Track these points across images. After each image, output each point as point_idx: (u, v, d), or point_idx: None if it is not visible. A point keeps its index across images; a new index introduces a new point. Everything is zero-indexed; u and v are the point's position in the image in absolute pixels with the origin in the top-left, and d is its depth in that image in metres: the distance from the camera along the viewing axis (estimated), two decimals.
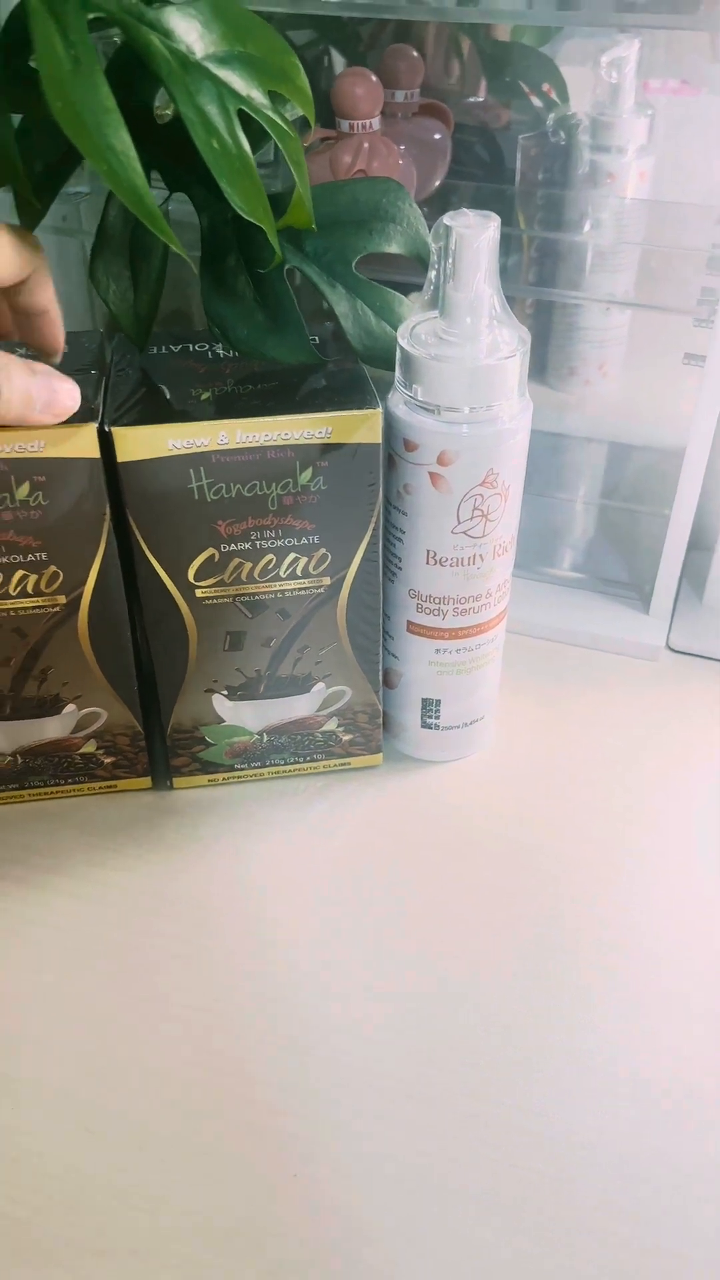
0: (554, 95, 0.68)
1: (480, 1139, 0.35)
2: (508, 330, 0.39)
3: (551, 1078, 0.37)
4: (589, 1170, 0.34)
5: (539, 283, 0.70)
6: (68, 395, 0.36)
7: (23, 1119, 0.36)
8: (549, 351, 0.74)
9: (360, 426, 0.38)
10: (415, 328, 0.40)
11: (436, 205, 0.62)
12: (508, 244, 0.69)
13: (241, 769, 0.47)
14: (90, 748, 0.45)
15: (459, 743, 0.49)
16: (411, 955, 0.41)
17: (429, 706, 0.47)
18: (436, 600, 0.43)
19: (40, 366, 0.35)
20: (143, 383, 0.40)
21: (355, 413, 0.38)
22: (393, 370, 0.41)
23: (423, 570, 0.43)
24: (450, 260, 0.37)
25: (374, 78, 0.52)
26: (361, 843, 0.45)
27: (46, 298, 0.36)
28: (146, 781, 0.47)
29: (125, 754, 0.46)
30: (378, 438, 0.39)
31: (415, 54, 0.60)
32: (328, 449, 0.39)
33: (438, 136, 0.60)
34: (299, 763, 0.48)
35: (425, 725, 0.48)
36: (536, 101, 0.68)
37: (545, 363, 0.74)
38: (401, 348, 0.39)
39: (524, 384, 0.40)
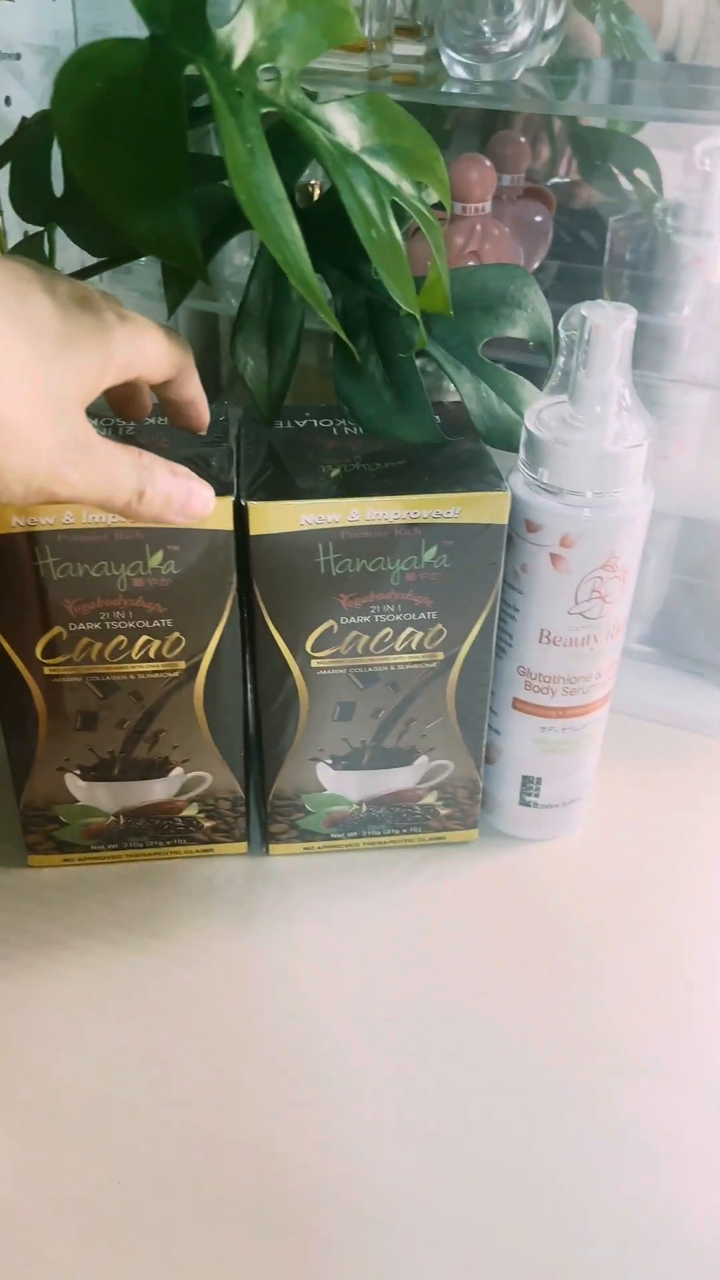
0: (646, 180, 0.69)
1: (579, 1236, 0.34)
2: (635, 420, 0.40)
3: (669, 1177, 0.36)
4: None
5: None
6: (202, 501, 0.36)
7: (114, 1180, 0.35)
8: None
9: (489, 507, 0.39)
10: (543, 412, 0.40)
11: None
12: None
13: (337, 838, 0.47)
14: (192, 810, 0.45)
15: (555, 822, 0.48)
16: (492, 1037, 0.40)
17: (529, 784, 0.47)
18: (546, 679, 0.43)
19: (180, 469, 0.35)
20: (272, 457, 0.41)
21: (486, 494, 0.39)
22: (513, 451, 0.42)
23: (535, 649, 0.43)
24: (584, 349, 0.38)
25: (488, 163, 0.54)
26: (451, 920, 0.45)
27: (194, 389, 0.37)
28: (243, 847, 0.47)
29: (225, 818, 0.46)
30: (504, 519, 0.39)
31: (522, 140, 0.62)
32: (455, 528, 0.39)
33: (539, 219, 0.61)
34: (394, 834, 0.48)
35: (524, 803, 0.47)
36: (628, 185, 0.70)
37: None
38: (528, 430, 0.40)
39: (647, 473, 0.41)
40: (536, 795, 0.47)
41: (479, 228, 0.54)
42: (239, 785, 0.45)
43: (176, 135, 0.30)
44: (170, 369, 0.35)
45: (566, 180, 0.69)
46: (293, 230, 0.31)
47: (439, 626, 0.41)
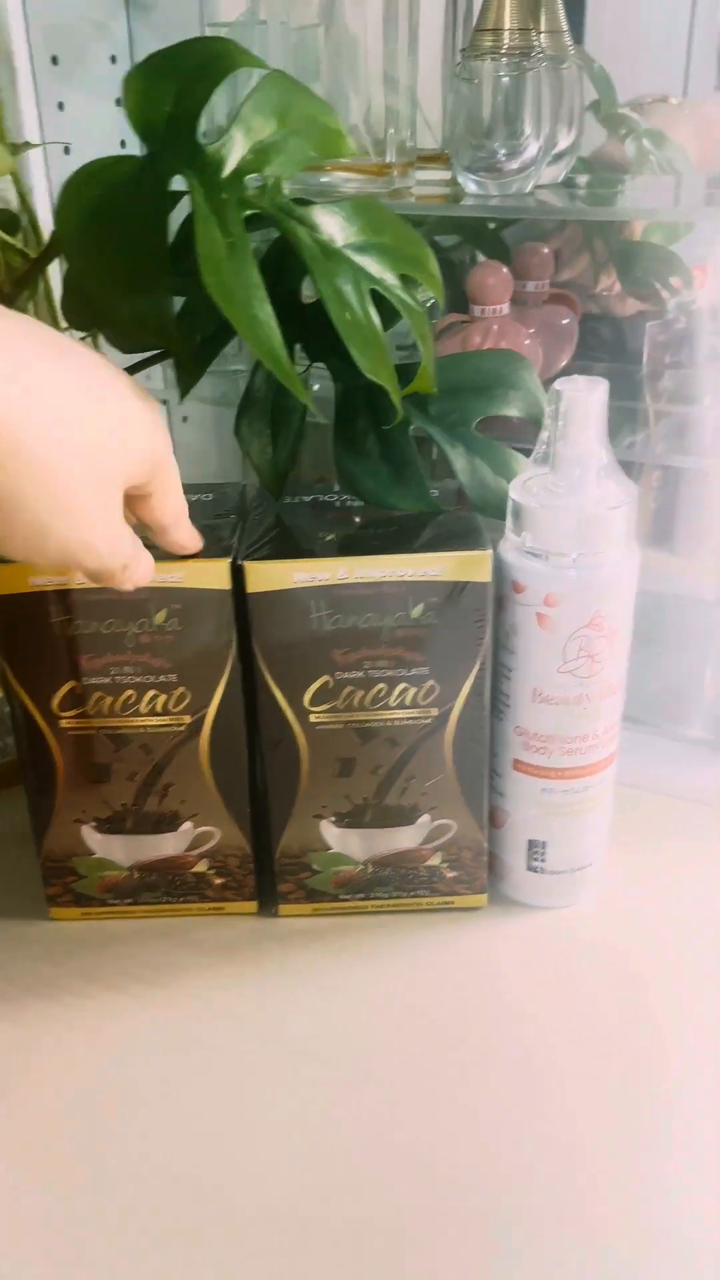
0: (680, 287, 0.72)
1: None
2: (615, 485, 0.41)
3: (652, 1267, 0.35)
4: None
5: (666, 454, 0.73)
6: (145, 571, 0.37)
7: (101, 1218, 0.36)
8: (676, 521, 0.76)
9: (470, 566, 0.41)
10: (527, 481, 0.42)
11: None
12: (634, 420, 0.73)
13: (346, 899, 0.48)
14: (202, 867, 0.47)
15: (564, 889, 0.48)
16: (497, 1113, 0.40)
17: (535, 848, 0.47)
18: (543, 739, 0.44)
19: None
20: (275, 525, 0.44)
21: (466, 553, 0.41)
22: (504, 519, 0.44)
23: (529, 708, 0.44)
24: (561, 421, 0.40)
25: (504, 269, 0.58)
26: (457, 988, 0.45)
27: (167, 512, 0.38)
28: (253, 906, 0.48)
29: (235, 875, 0.48)
30: (487, 576, 0.41)
31: (545, 250, 0.66)
32: (439, 586, 0.41)
33: (565, 321, 0.65)
34: (402, 897, 0.48)
35: (531, 868, 0.48)
36: (664, 293, 0.73)
37: (673, 531, 0.76)
38: (513, 499, 0.42)
39: (630, 535, 0.42)
40: (543, 860, 0.47)
41: (495, 327, 0.57)
42: (247, 842, 0.47)
43: (158, 232, 0.34)
44: (176, 502, 0.37)
45: (609, 290, 0.73)
46: (265, 311, 0.35)
47: (431, 683, 0.43)
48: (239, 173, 0.37)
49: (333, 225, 0.40)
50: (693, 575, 0.75)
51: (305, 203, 0.40)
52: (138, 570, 0.36)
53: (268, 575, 0.41)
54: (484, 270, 0.58)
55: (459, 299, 0.62)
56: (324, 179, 0.58)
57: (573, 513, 0.41)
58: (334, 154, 0.42)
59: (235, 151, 0.37)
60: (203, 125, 0.37)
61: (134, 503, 0.36)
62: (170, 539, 0.39)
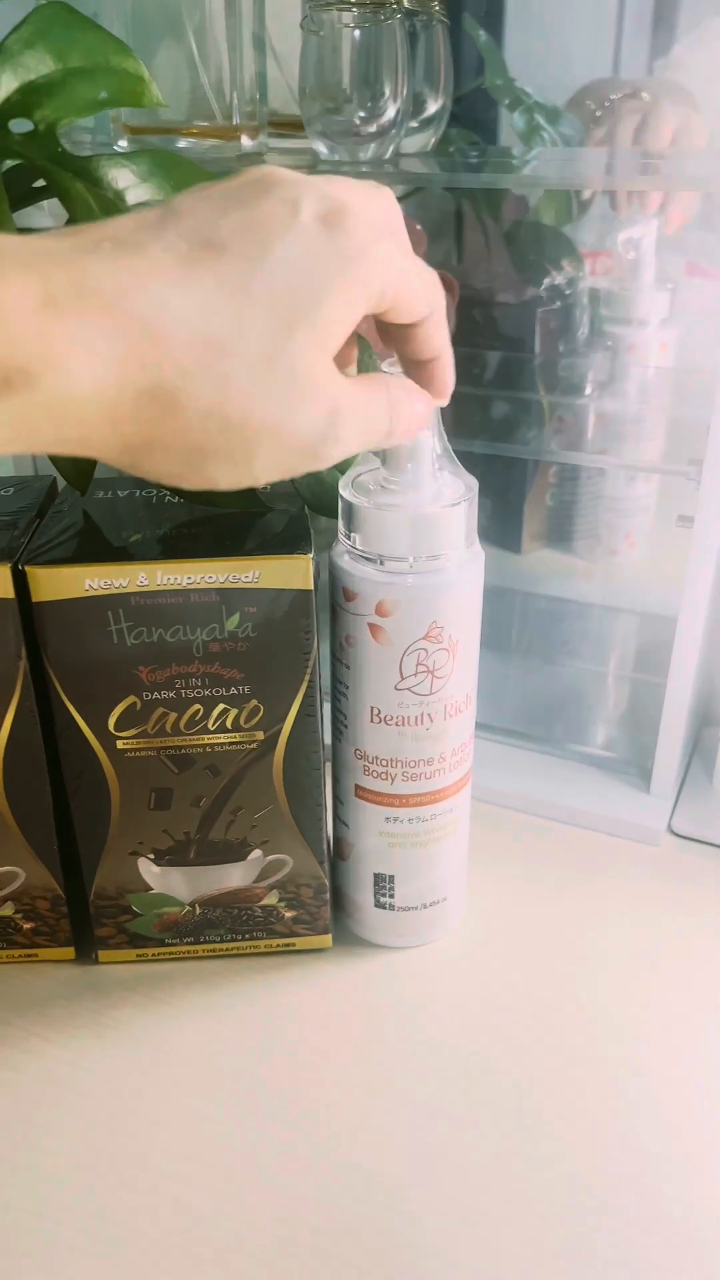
0: (571, 271, 0.69)
1: None
2: (454, 478, 0.37)
3: None
4: None
5: (564, 449, 0.69)
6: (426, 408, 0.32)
7: None
8: (575, 521, 0.72)
9: (290, 571, 0.36)
10: (359, 477, 0.38)
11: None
12: (529, 412, 0.69)
13: (173, 944, 0.43)
14: (8, 910, 0.42)
15: (416, 927, 0.43)
16: (344, 1177, 0.35)
17: (382, 883, 0.42)
18: (384, 763, 0.40)
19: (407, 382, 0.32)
20: (75, 525, 0.39)
21: (285, 558, 0.36)
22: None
23: (367, 729, 0.39)
24: None
25: None
26: (300, 1040, 0.40)
27: (442, 339, 0.32)
28: (70, 952, 0.43)
29: (45, 919, 0.42)
30: (309, 584, 0.36)
31: (418, 227, 0.61)
32: (256, 594, 0.36)
33: None
34: (237, 940, 0.43)
35: (379, 904, 0.43)
36: (556, 278, 0.69)
37: (571, 532, 0.72)
38: (342, 496, 0.37)
39: (472, 534, 0.38)
40: (391, 896, 0.42)
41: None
42: (57, 883, 0.41)
43: None
44: (424, 306, 0.30)
45: (499, 273, 0.69)
46: None
47: (254, 703, 0.38)
48: (1, 115, 0.32)
49: (124, 179, 0.35)
50: (592, 579, 0.72)
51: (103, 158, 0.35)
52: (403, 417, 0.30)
53: (54, 582, 0.36)
54: None
55: None
56: (181, 144, 0.53)
57: (405, 512, 0.36)
58: (134, 101, 0.36)
59: None
60: None
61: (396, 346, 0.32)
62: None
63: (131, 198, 0.35)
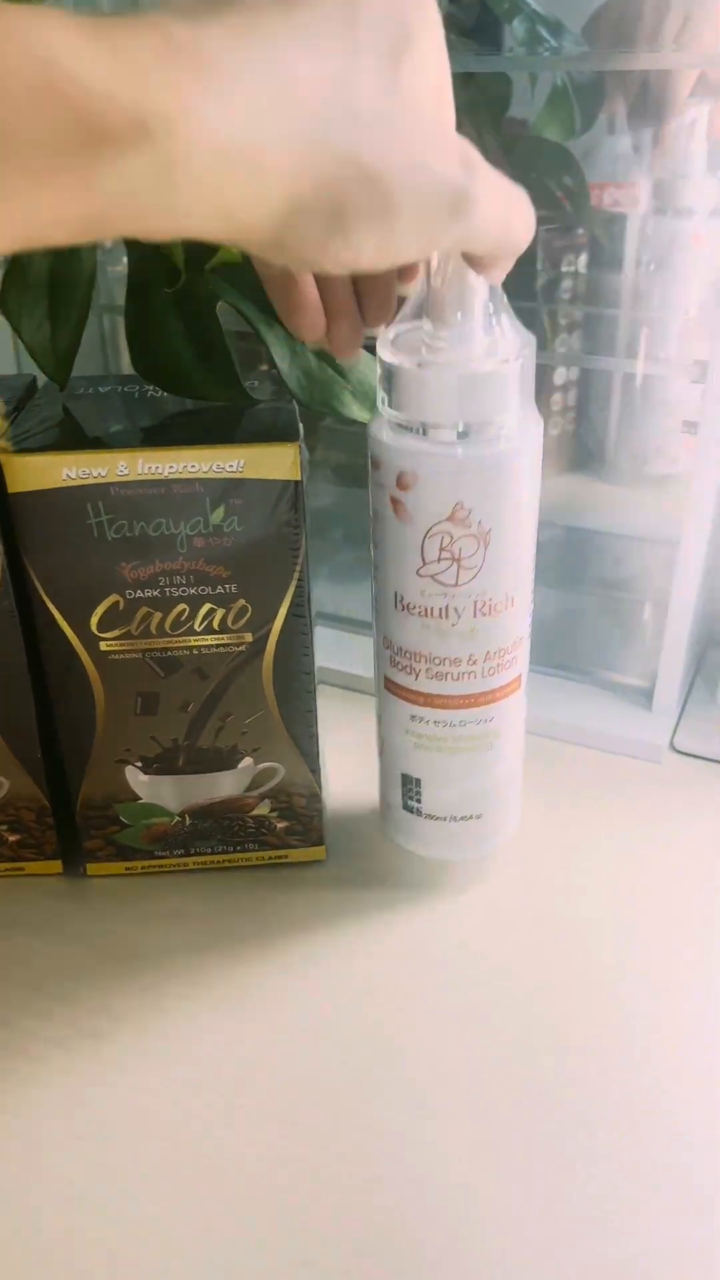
0: (574, 188, 0.66)
1: None
2: (511, 334, 0.33)
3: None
4: None
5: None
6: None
7: None
8: (604, 442, 0.69)
9: (276, 461, 0.35)
10: (399, 337, 0.34)
11: None
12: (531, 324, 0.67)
13: (162, 856, 0.42)
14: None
15: (446, 838, 0.40)
16: (338, 1104, 0.34)
17: (409, 785, 0.40)
18: (408, 655, 0.37)
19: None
20: (55, 417, 0.37)
21: (271, 446, 0.35)
22: (333, 413, 0.38)
23: (393, 616, 0.37)
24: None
25: None
26: (298, 955, 0.39)
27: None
28: (57, 865, 0.42)
29: (31, 832, 0.41)
30: (296, 474, 0.35)
31: None
32: (241, 484, 0.35)
33: None
34: (228, 852, 0.42)
35: (406, 808, 0.40)
36: (560, 196, 0.67)
37: (602, 453, 0.69)
38: (381, 360, 0.34)
39: (528, 398, 0.34)
40: (418, 800, 0.40)
41: None
42: (42, 794, 0.40)
43: None
44: (518, 244, 0.28)
45: None
46: None
47: (241, 602, 0.37)
48: None
49: None
50: (627, 508, 0.69)
51: None
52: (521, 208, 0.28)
53: (30, 471, 0.34)
54: None
55: None
56: None
57: (444, 373, 0.32)
58: None
59: None
60: None
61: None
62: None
63: None
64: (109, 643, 0.37)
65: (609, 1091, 0.34)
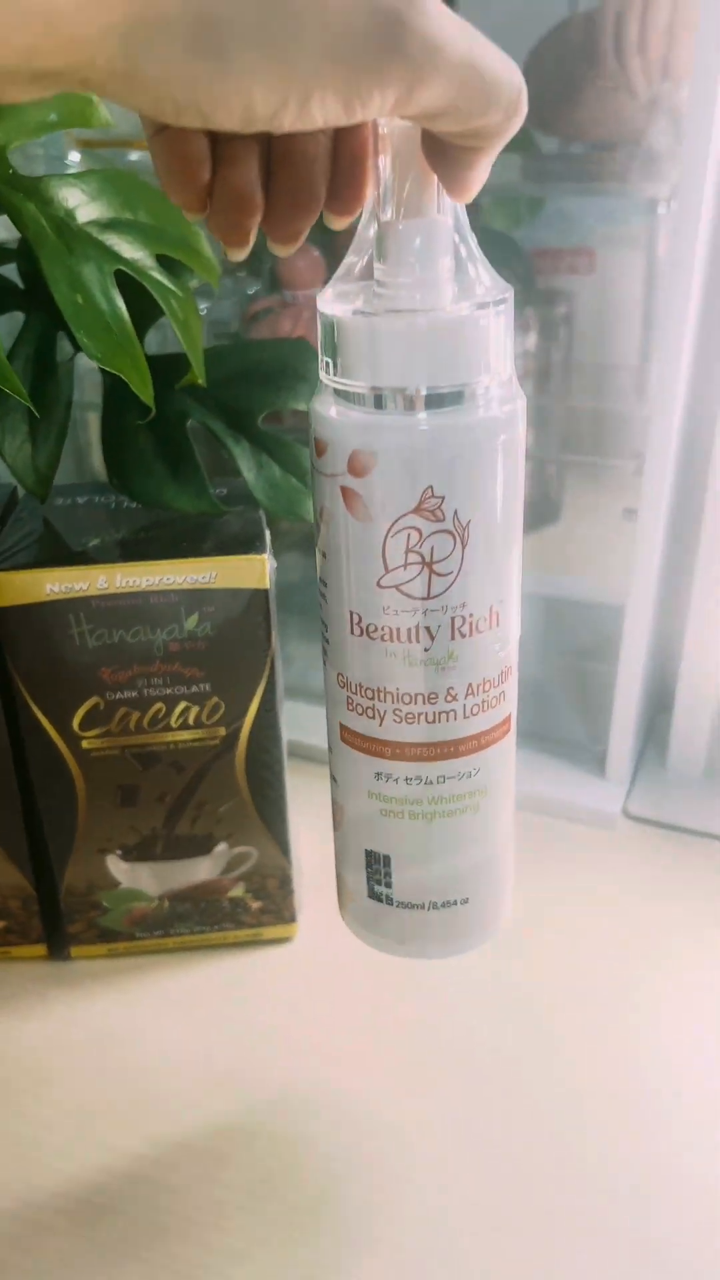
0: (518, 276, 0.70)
1: None
2: (488, 280, 0.26)
3: None
4: None
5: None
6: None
7: None
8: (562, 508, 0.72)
9: (246, 571, 0.38)
10: (342, 288, 0.26)
11: None
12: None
13: (143, 937, 0.44)
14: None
15: (422, 931, 0.32)
16: (318, 1157, 0.36)
17: (375, 864, 0.31)
18: (370, 693, 0.29)
19: None
20: (35, 531, 0.40)
21: (240, 558, 0.37)
22: (299, 520, 0.41)
23: (349, 644, 0.28)
24: (385, 185, 0.25)
25: (315, 252, 0.55)
26: (267, 1028, 0.41)
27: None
28: (42, 949, 0.44)
29: (17, 918, 0.43)
30: (264, 583, 0.38)
31: (315, 252, 0.63)
32: (213, 594, 0.38)
33: None
34: (205, 931, 0.44)
35: (373, 894, 0.32)
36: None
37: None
38: (321, 314, 0.26)
39: (507, 359, 0.26)
40: (387, 885, 0.31)
41: (306, 314, 0.54)
42: (28, 882, 0.42)
43: None
44: (499, 112, 0.21)
45: None
46: None
47: (215, 699, 0.39)
48: None
49: (74, 199, 0.36)
50: (591, 574, 0.71)
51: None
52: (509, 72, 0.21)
53: (15, 587, 0.37)
54: (295, 254, 0.54)
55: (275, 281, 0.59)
56: (132, 157, 0.54)
57: (415, 318, 0.25)
58: (83, 123, 0.38)
59: None
60: None
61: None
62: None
63: (82, 216, 0.36)
64: (90, 740, 0.39)
65: (555, 1153, 0.36)
